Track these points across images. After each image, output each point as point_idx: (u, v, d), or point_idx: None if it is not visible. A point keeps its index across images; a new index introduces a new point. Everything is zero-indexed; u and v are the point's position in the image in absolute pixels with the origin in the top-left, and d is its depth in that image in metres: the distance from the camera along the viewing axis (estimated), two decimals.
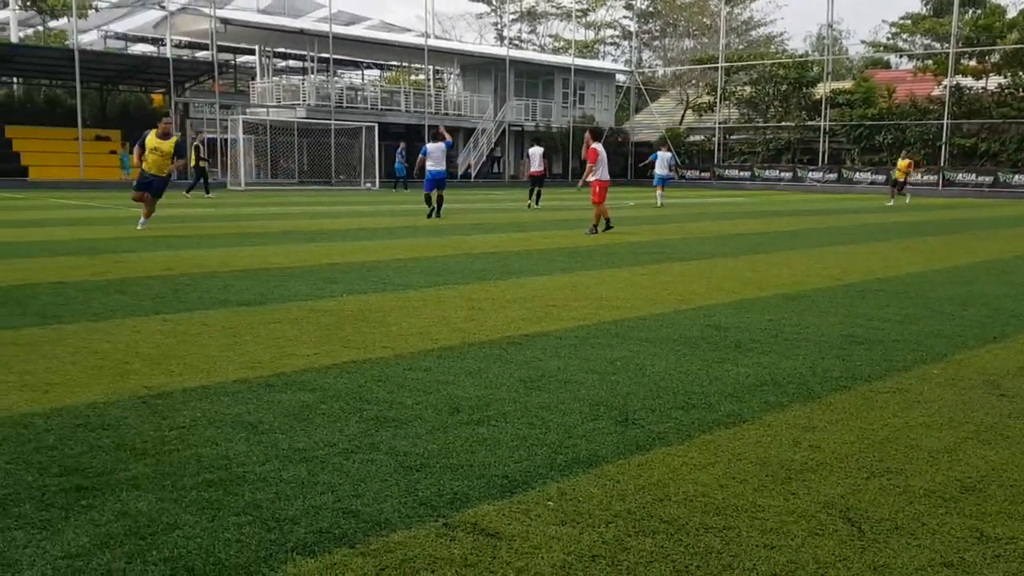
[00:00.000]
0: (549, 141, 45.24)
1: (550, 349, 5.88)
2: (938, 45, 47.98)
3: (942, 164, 42.08)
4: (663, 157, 27.75)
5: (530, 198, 24.76)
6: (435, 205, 19.12)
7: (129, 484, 3.36)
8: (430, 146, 19.19)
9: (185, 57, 49.66)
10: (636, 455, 3.79)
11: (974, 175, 40.65)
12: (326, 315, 7.03)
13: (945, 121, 42.12)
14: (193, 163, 27.88)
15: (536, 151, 25.06)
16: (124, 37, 53.95)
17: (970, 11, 45.38)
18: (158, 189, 14.73)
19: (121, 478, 3.42)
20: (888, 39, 58.03)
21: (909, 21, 51.79)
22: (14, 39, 45.61)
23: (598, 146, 15.29)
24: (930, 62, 46.67)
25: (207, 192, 28.46)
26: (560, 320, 6.97)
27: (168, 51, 45.30)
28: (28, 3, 48.57)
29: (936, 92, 44.21)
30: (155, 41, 52.80)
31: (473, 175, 46.81)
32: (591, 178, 15.44)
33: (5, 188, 31.18)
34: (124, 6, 47.47)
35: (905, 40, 55.03)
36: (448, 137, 19.62)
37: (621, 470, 3.61)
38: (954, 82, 42.34)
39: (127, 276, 9.11)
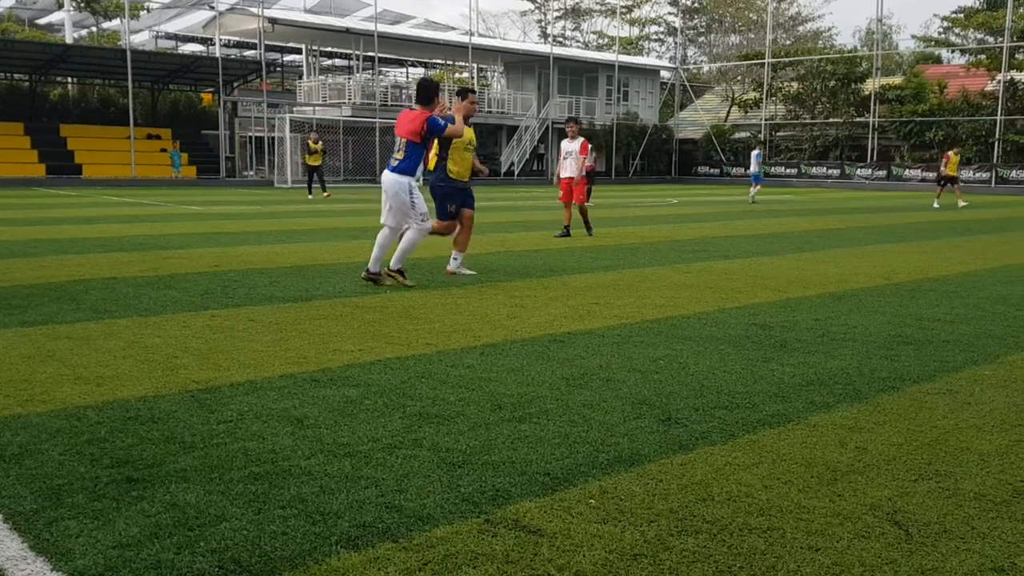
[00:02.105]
0: (593, 139, 45.16)
1: (592, 347, 5.87)
2: (991, 39, 46.89)
3: (995, 161, 41.16)
4: (755, 155, 28.10)
5: None
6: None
7: (178, 476, 3.42)
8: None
9: (233, 56, 50.42)
10: (679, 454, 3.77)
11: None
12: (370, 311, 7.09)
13: (999, 117, 41.18)
14: (318, 161, 26.36)
15: None
16: (174, 37, 54.94)
17: None
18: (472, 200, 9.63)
19: (170, 470, 3.49)
20: (940, 34, 56.92)
21: (961, 15, 50.71)
22: (69, 40, 46.67)
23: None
24: (983, 57, 45.64)
25: (310, 191, 26.76)
26: (603, 318, 6.95)
27: (217, 51, 46.06)
28: (82, 4, 49.66)
29: (989, 87, 43.24)
30: (204, 41, 53.69)
31: (516, 173, 46.85)
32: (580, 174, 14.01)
33: (60, 185, 31.93)
34: (175, 7, 48.29)
35: (957, 35, 53.93)
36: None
37: (663, 469, 3.59)
38: (1008, 77, 41.36)
39: (177, 272, 9.27)
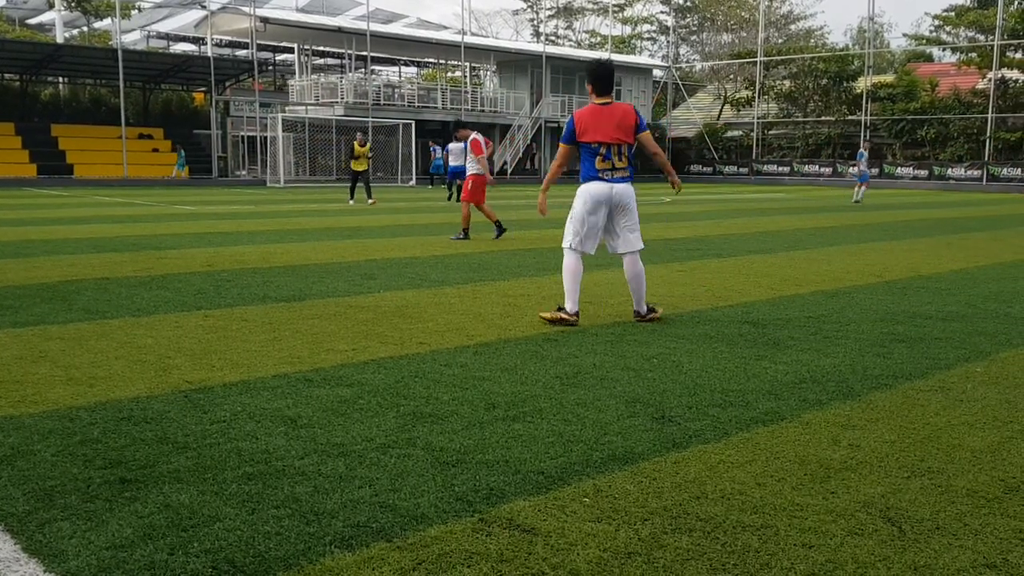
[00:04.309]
0: None
1: (586, 345, 5.88)
2: (982, 37, 47.06)
3: (986, 159, 41.31)
4: (861, 155, 28.34)
5: None
6: (454, 192, 24.19)
7: (171, 477, 3.41)
8: (451, 145, 23.69)
9: (225, 56, 50.28)
10: (672, 452, 3.77)
11: (1020, 170, 39.84)
12: (364, 311, 7.08)
13: (990, 115, 41.32)
14: (364, 166, 24.09)
15: None
16: (166, 37, 54.81)
17: (1016, 2, 44.47)
18: None
19: (163, 471, 3.48)
20: (931, 32, 57.13)
21: (953, 13, 50.90)
22: (60, 39, 46.56)
23: (478, 136, 13.52)
24: (974, 55, 45.80)
25: (351, 196, 24.32)
26: (596, 316, 6.95)
27: (209, 50, 45.95)
28: (73, 4, 49.49)
29: (980, 85, 43.38)
30: (196, 40, 53.59)
31: (509, 172, 46.84)
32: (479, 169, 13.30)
33: (51, 185, 31.81)
34: (166, 6, 48.17)
35: (948, 33, 54.11)
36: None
37: (657, 467, 3.60)
38: (999, 75, 41.50)
39: (169, 272, 9.25)
